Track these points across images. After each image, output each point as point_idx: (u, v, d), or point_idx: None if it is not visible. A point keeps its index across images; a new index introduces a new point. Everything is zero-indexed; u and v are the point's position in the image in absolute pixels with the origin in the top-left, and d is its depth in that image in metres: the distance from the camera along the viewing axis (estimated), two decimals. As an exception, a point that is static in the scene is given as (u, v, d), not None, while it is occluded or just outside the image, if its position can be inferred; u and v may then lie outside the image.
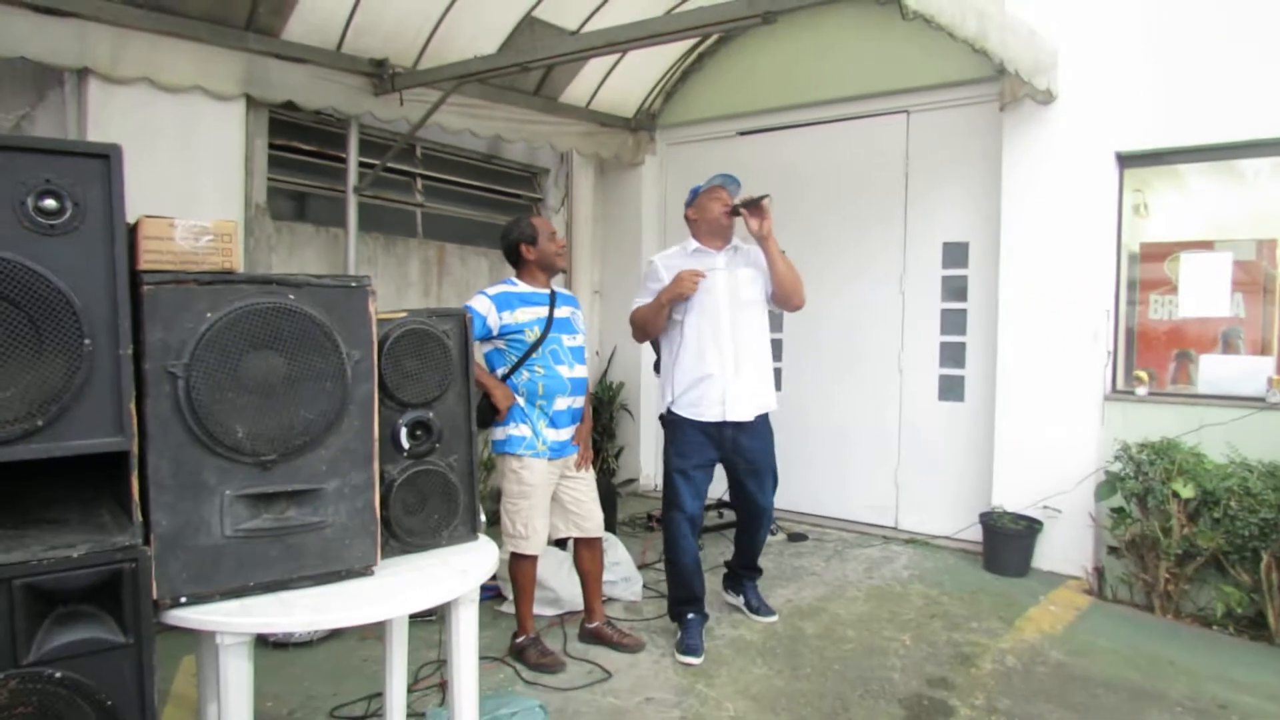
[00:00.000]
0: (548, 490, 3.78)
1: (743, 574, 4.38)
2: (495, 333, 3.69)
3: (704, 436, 3.90)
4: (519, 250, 3.79)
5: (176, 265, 1.97)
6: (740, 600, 4.40)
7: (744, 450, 3.94)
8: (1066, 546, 5.04)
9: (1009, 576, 4.99)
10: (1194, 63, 4.75)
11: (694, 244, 3.97)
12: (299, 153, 5.29)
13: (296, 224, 5.23)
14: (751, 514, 4.15)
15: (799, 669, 3.73)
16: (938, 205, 5.74)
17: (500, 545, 4.18)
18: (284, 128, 5.16)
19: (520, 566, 3.78)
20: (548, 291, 3.81)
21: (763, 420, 3.99)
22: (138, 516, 1.86)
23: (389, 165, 5.41)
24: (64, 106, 4.20)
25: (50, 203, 1.74)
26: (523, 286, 3.78)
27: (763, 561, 4.46)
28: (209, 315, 1.98)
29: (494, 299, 3.68)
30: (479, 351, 3.84)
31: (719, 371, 3.83)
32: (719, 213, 3.87)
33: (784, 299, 3.90)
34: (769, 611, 4.32)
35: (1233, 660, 3.95)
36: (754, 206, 3.73)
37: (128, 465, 1.85)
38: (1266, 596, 4.19)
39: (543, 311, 3.73)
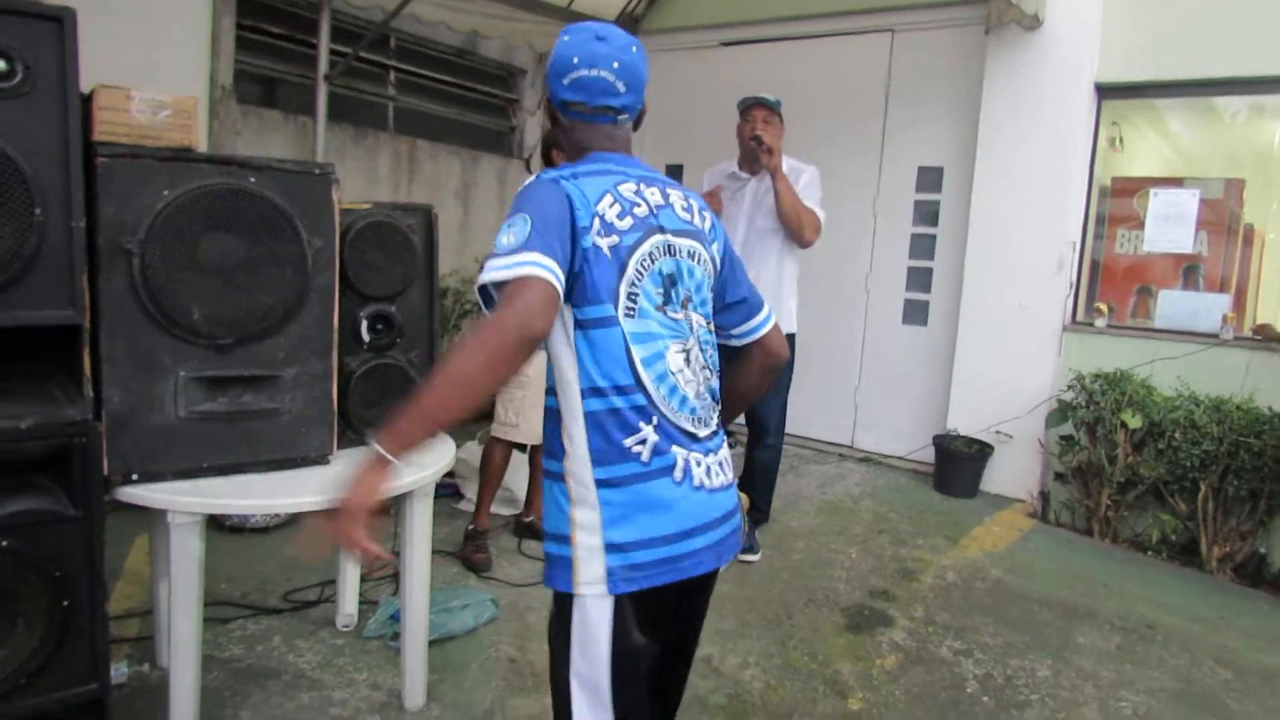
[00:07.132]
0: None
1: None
2: None
3: None
4: (551, 155, 3.79)
5: (133, 139, 1.92)
6: None
7: None
8: (1015, 471, 5.17)
9: (958, 497, 5.13)
10: (1181, -4, 4.72)
11: (732, 165, 4.04)
12: (269, 35, 5.11)
13: (264, 110, 5.08)
14: (750, 425, 4.04)
15: (747, 576, 3.83)
16: (916, 128, 5.69)
17: (479, 438, 4.21)
18: (253, 8, 4.97)
19: (492, 453, 3.84)
20: None
21: None
22: (88, 392, 1.86)
23: (361, 55, 5.25)
24: (18, -30, 4.00)
25: (-2, 63, 1.68)
26: None
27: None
28: (166, 193, 1.94)
29: None
30: None
31: None
32: (745, 136, 3.89)
33: (789, 233, 3.91)
34: (752, 550, 4.03)
35: (1163, 584, 4.12)
36: (759, 141, 3.77)
37: (79, 339, 1.83)
38: (1201, 525, 4.36)
39: None
